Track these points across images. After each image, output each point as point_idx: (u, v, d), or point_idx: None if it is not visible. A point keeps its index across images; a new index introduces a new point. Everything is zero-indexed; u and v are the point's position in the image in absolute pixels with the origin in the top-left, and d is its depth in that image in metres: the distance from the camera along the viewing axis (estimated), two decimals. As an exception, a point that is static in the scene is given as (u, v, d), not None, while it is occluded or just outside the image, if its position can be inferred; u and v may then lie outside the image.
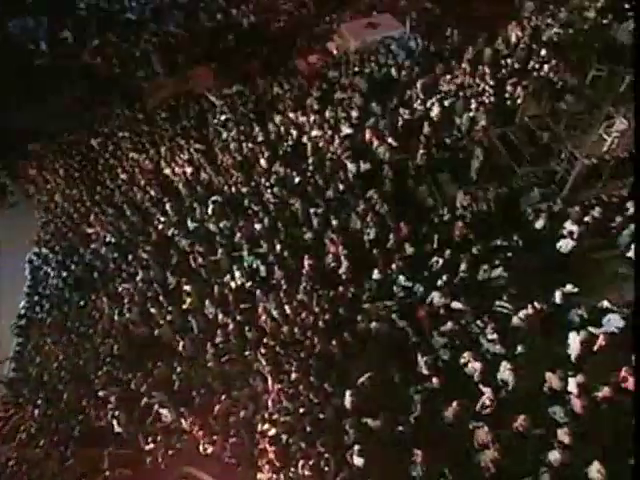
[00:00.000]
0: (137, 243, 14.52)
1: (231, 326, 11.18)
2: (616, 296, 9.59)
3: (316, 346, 9.34)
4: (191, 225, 14.01)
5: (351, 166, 13.56)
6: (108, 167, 18.54)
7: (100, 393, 10.86)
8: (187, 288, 12.51)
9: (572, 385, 7.81)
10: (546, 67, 14.59)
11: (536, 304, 8.82)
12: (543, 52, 15.26)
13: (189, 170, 16.31)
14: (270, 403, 9.31)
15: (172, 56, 24.70)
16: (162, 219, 14.93)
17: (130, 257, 14.19)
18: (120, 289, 13.20)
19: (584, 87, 10.73)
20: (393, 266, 10.51)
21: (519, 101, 13.76)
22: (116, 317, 12.53)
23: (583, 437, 7.35)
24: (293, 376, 9.10)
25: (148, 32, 27.78)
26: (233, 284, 12.16)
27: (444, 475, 7.37)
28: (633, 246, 10.10)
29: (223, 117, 17.42)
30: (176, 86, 21.89)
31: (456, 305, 9.37)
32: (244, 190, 14.51)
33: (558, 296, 9.19)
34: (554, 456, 7.20)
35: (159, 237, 14.38)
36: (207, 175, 15.87)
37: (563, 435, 7.18)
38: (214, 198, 14.14)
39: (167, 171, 16.83)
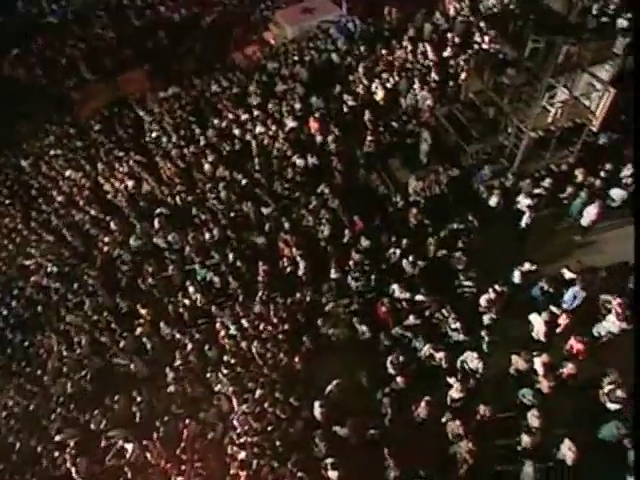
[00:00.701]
0: (81, 269, 13.78)
1: (190, 346, 10.77)
2: (574, 264, 9.75)
3: (278, 359, 9.06)
4: (137, 243, 13.36)
5: (299, 161, 13.25)
6: (42, 189, 17.46)
7: (56, 438, 10.25)
8: (140, 311, 11.98)
9: (538, 365, 7.87)
10: (487, 39, 14.63)
11: (497, 287, 8.83)
12: (482, 24, 15.29)
13: (130, 183, 15.56)
14: (236, 423, 9.02)
15: (101, 61, 23.46)
16: (106, 240, 14.20)
17: (75, 285, 13.44)
18: (67, 321, 12.49)
19: (523, 59, 10.74)
20: (351, 262, 10.35)
21: (462, 77, 13.75)
22: (66, 352, 11.86)
23: (552, 417, 7.45)
24: (258, 394, 8.81)
25: (73, 36, 26.32)
26: (187, 301, 11.69)
27: (420, 477, 7.30)
28: (584, 213, 10.30)
29: (154, 134, 16.66)
30: (108, 94, 20.80)
31: (418, 297, 9.28)
32: (190, 199, 13.95)
33: (517, 276, 9.24)
34: (525, 440, 7.25)
35: (104, 260, 13.68)
36: (150, 187, 15.18)
37: (532, 418, 7.22)
38: (158, 211, 13.53)
39: (107, 187, 16.00)
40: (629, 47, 10.15)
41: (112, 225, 14.31)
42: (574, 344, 7.78)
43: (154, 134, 16.53)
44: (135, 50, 23.59)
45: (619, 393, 7.46)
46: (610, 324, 8.34)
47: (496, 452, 7.61)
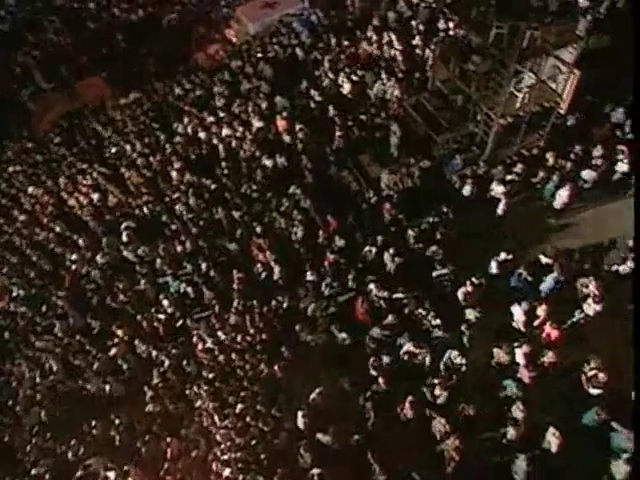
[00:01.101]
0: (49, 290, 13.38)
1: (167, 363, 10.57)
2: (550, 249, 9.85)
3: (258, 370, 8.93)
4: (106, 259, 13.03)
5: (268, 162, 13.06)
6: (2, 208, 16.87)
7: (32, 472, 9.96)
8: (114, 329, 11.70)
9: (519, 356, 7.92)
10: (451, 25, 14.61)
11: (474, 279, 8.84)
12: (446, 11, 15.25)
13: (95, 197, 15.14)
14: (219, 438, 8.89)
15: (56, 68, 22.71)
16: (74, 257, 13.80)
17: (43, 308, 13.04)
18: (37, 346, 12.12)
19: (488, 46, 10.76)
20: (326, 263, 10.26)
21: (429, 65, 13.71)
22: (38, 379, 11.51)
23: (536, 406, 7.51)
24: (239, 408, 8.69)
25: (25, 44, 25.42)
26: (162, 315, 11.45)
27: (408, 478, 7.28)
28: (557, 196, 10.40)
29: (114, 150, 16.25)
30: (66, 103, 20.17)
31: (396, 295, 9.24)
32: (158, 209, 13.65)
33: (494, 266, 9.28)
34: (511, 432, 7.30)
35: (73, 279, 13.30)
36: (116, 199, 14.81)
37: (516, 411, 7.27)
38: (125, 224, 13.20)
39: (71, 202, 15.54)
40: (590, 28, 10.22)
41: (79, 242, 13.92)
42: (550, 331, 7.85)
43: (113, 150, 16.07)
44: (92, 55, 22.92)
45: (601, 377, 7.56)
46: (587, 307, 8.45)
47: (483, 446, 7.66)
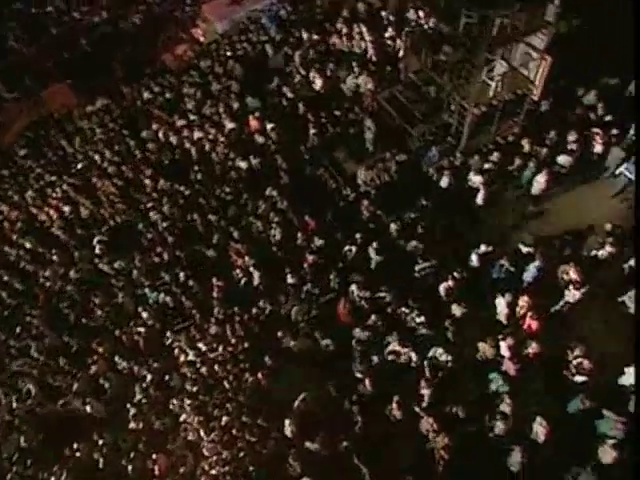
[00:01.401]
0: (23, 310, 13.05)
1: (149, 377, 10.40)
2: (529, 238, 9.91)
3: (242, 380, 8.83)
4: (80, 274, 12.76)
5: (242, 164, 12.91)
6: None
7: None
8: (93, 346, 11.48)
9: (504, 349, 7.96)
10: (421, 14, 14.56)
11: (455, 274, 8.84)
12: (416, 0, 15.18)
13: (66, 209, 14.80)
14: (206, 452, 8.79)
15: (19, 77, 22.06)
16: (47, 274, 13.49)
17: (18, 329, 12.71)
18: (13, 370, 11.83)
19: (459, 35, 10.73)
20: (306, 265, 10.18)
21: (400, 56, 13.65)
22: (15, 404, 11.23)
23: (522, 397, 7.58)
24: (224, 420, 8.59)
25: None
26: (142, 328, 11.26)
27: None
28: (534, 183, 10.45)
29: (80, 165, 15.88)
30: (32, 113, 19.62)
31: (378, 294, 9.21)
32: (132, 218, 13.41)
33: (475, 259, 9.29)
34: (499, 426, 7.34)
35: (47, 297, 13.00)
36: (88, 211, 14.49)
37: (504, 405, 7.30)
38: (98, 238, 12.94)
39: (41, 217, 15.17)
40: (559, 13, 10.25)
41: (51, 257, 13.61)
42: (531, 322, 7.90)
43: (82, 160, 15.70)
44: (56, 61, 22.30)
45: (586, 365, 7.64)
46: (569, 293, 8.51)
47: (473, 443, 7.68)
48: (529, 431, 7.34)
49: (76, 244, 13.67)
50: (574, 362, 7.67)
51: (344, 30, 15.64)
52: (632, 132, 10.36)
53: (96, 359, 11.33)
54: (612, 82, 11.46)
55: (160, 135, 15.36)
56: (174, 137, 14.84)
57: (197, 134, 14.49)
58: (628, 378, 7.50)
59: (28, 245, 14.49)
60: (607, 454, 6.79)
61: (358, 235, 10.25)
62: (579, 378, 7.55)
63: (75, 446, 9.93)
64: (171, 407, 9.69)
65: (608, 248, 8.79)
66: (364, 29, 15.07)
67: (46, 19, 25.47)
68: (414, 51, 12.56)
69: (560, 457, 7.21)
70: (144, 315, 11.39)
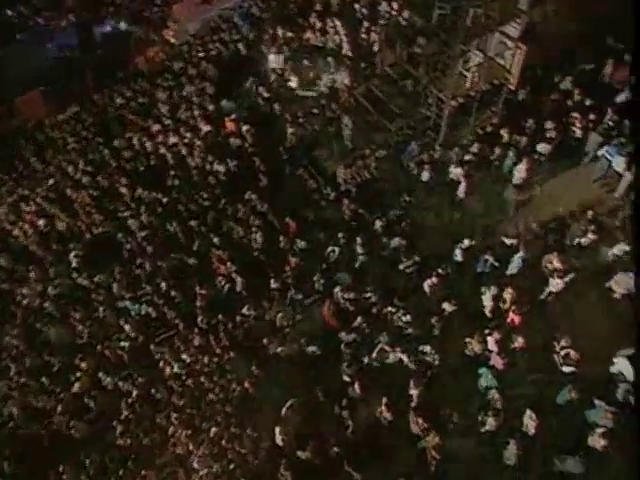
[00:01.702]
0: (1, 330, 12.77)
1: (135, 392, 10.25)
2: (511, 229, 9.95)
3: (230, 390, 8.74)
4: (58, 289, 12.53)
5: (219, 167, 12.76)
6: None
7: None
8: (76, 364, 11.29)
9: (491, 343, 7.97)
10: (395, 7, 14.49)
11: (440, 270, 8.83)
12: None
13: (41, 223, 14.52)
14: (197, 465, 8.70)
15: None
16: (24, 292, 13.22)
17: (-4, 350, 12.48)
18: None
19: (432, 27, 10.71)
20: (288, 268, 10.11)
21: (375, 49, 13.60)
22: (-4, 428, 11.03)
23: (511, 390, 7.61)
24: (212, 432, 8.49)
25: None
26: (125, 342, 11.09)
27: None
28: (515, 172, 10.48)
29: (51, 181, 15.55)
30: (3, 123, 19.18)
31: (363, 295, 9.17)
32: (110, 229, 13.18)
33: (459, 254, 9.29)
34: (490, 423, 7.35)
35: (25, 315, 12.74)
36: (64, 223, 14.22)
37: (494, 400, 7.32)
38: (75, 252, 12.72)
39: (15, 232, 14.86)
40: (532, 1, 10.28)
41: (28, 274, 13.34)
42: (513, 317, 7.92)
43: (51, 181, 15.37)
44: (24, 69, 21.81)
45: (573, 355, 7.68)
46: (553, 282, 8.55)
47: (466, 441, 7.70)
48: (519, 424, 7.36)
49: (53, 259, 13.39)
50: (561, 353, 7.72)
51: (317, 25, 15.53)
52: (609, 116, 10.45)
53: (79, 376, 11.14)
54: (587, 67, 11.54)
55: (135, 142, 15.13)
56: (149, 143, 14.60)
57: (172, 139, 14.29)
58: (618, 366, 7.56)
59: (3, 262, 14.20)
60: (596, 442, 6.85)
61: (340, 235, 10.19)
62: (567, 369, 7.59)
63: (61, 469, 9.75)
64: (158, 421, 9.57)
65: (591, 235, 8.85)
66: (338, 23, 14.97)
67: (12, 24, 24.90)
68: (389, 44, 12.54)
69: (551, 448, 7.26)
70: (127, 328, 11.21)
